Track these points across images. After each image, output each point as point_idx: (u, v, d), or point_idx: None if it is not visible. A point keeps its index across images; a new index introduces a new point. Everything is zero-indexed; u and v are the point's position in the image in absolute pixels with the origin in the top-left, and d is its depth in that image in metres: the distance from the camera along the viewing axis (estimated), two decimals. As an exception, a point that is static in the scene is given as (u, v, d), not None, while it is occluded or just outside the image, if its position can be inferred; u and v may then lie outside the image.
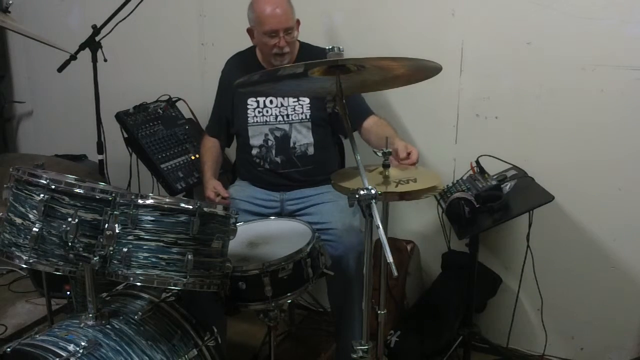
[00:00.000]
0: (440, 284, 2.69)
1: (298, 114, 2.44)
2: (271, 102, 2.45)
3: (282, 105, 2.45)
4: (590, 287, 2.52)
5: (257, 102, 2.45)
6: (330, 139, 2.53)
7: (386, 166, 1.90)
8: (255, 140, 2.47)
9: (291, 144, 2.45)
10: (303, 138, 2.45)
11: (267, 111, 2.46)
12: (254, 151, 2.48)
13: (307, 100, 2.43)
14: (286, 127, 2.44)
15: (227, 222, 1.82)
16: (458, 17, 2.52)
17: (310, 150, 2.45)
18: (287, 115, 2.44)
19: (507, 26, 2.45)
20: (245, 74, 1.78)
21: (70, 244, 1.67)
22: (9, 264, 1.94)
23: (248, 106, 2.46)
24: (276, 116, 2.45)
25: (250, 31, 2.43)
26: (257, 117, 2.46)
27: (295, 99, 2.44)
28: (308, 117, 2.44)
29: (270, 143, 2.46)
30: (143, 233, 1.68)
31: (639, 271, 2.44)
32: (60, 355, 1.61)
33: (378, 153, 1.91)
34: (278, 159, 2.45)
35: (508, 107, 2.52)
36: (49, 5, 3.47)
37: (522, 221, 2.42)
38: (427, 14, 2.58)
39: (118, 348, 1.71)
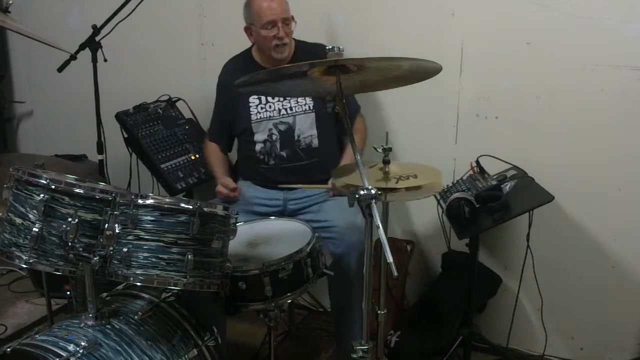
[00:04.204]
0: (440, 284, 2.69)
1: (301, 105, 2.46)
2: (273, 97, 2.46)
3: (284, 99, 2.46)
4: (590, 287, 2.52)
5: (260, 98, 2.47)
6: (333, 133, 2.54)
7: (386, 162, 1.89)
8: (260, 136, 2.48)
9: (295, 137, 2.46)
10: (307, 130, 2.46)
11: (270, 106, 2.47)
12: (258, 147, 2.48)
13: None
14: (290, 119, 2.46)
15: (227, 222, 1.82)
16: (458, 17, 2.52)
17: (315, 143, 2.46)
18: (291, 108, 2.46)
19: (507, 26, 2.44)
20: (244, 76, 1.78)
21: (70, 244, 1.67)
22: (9, 264, 1.93)
23: (250, 104, 2.47)
24: (279, 110, 2.46)
25: (247, 30, 2.44)
26: (260, 112, 2.47)
27: None
28: (311, 107, 2.46)
29: (274, 137, 2.47)
30: (143, 233, 1.68)
31: (639, 271, 2.44)
32: (60, 355, 1.61)
33: (378, 149, 1.90)
34: (283, 153, 2.46)
35: (508, 107, 2.51)
36: (49, 5, 3.46)
37: (522, 221, 2.41)
38: (427, 14, 2.58)
39: (118, 348, 1.71)
